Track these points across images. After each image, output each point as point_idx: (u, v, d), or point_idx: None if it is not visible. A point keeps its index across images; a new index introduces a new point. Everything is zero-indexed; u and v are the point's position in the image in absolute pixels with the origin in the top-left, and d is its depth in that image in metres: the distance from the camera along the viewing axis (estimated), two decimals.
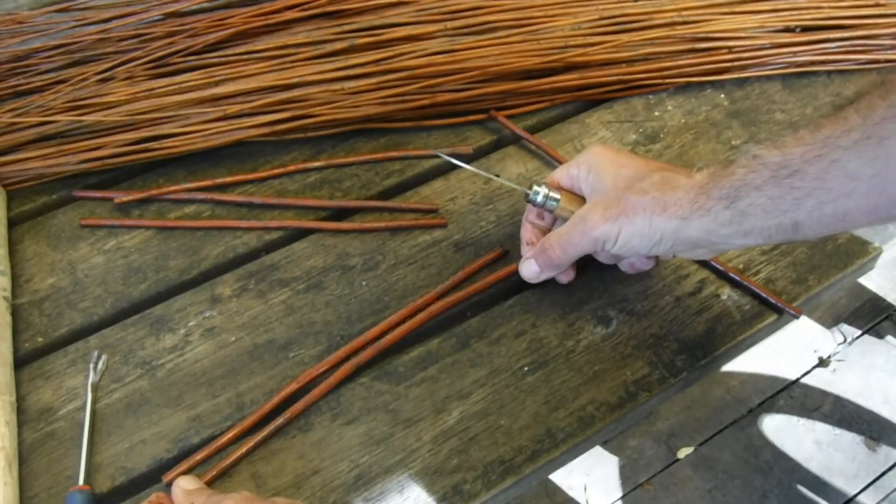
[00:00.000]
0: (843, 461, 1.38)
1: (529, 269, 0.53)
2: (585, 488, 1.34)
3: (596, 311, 0.55)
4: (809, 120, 0.67)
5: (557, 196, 0.52)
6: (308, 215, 0.61)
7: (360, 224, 0.60)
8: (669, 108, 0.68)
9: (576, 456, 0.52)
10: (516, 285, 0.57)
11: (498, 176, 0.59)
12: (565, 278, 0.55)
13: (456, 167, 0.64)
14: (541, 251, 0.52)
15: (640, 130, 0.66)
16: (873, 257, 0.59)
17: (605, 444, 1.38)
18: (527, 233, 0.56)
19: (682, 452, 1.38)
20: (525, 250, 0.56)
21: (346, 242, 0.59)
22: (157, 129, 0.62)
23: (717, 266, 0.57)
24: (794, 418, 1.43)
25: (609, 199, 0.48)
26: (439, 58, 0.65)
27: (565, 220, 0.52)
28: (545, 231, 0.55)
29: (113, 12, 0.69)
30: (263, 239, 0.60)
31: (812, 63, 0.70)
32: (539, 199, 0.52)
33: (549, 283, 0.56)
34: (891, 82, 0.38)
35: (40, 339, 0.54)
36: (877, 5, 0.71)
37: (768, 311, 0.56)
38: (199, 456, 0.48)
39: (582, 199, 0.52)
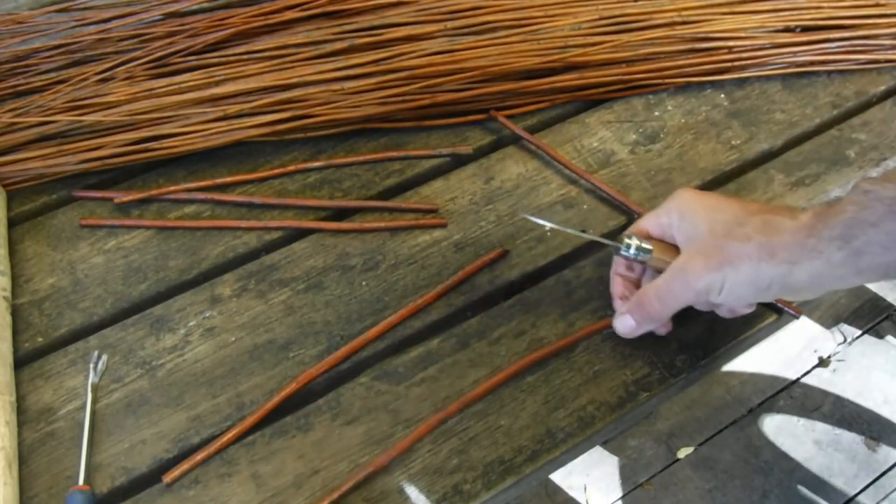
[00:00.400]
0: (843, 461, 1.38)
1: (625, 325, 0.50)
2: (585, 488, 1.34)
3: (596, 312, 0.55)
4: (810, 119, 0.68)
5: (650, 247, 0.49)
6: (308, 215, 0.61)
7: (360, 224, 0.60)
8: (669, 108, 0.68)
9: (576, 456, 0.52)
10: (517, 285, 0.57)
11: (585, 231, 0.57)
12: (664, 330, 0.53)
13: (456, 167, 0.64)
14: (638, 305, 0.49)
15: (640, 130, 0.66)
16: None
17: (605, 444, 1.38)
18: (617, 287, 0.53)
19: (682, 452, 1.38)
20: (618, 304, 0.53)
21: (346, 242, 0.59)
22: (157, 129, 0.62)
23: None
24: (794, 418, 1.43)
25: (709, 247, 0.45)
26: (439, 58, 0.65)
27: (659, 270, 0.49)
28: (636, 283, 0.53)
29: (113, 12, 0.69)
30: (263, 239, 0.60)
31: (812, 63, 0.70)
32: (632, 252, 0.49)
33: (548, 283, 0.56)
34: None
35: (40, 339, 0.54)
36: (877, 5, 0.71)
37: (768, 311, 0.56)
38: (199, 456, 0.48)
39: (675, 249, 0.49)
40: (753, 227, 0.45)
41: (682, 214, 0.48)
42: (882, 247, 0.40)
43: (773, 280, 0.44)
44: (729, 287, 0.45)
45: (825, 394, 1.47)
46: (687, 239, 0.48)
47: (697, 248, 0.46)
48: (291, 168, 0.63)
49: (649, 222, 0.51)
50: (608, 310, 0.55)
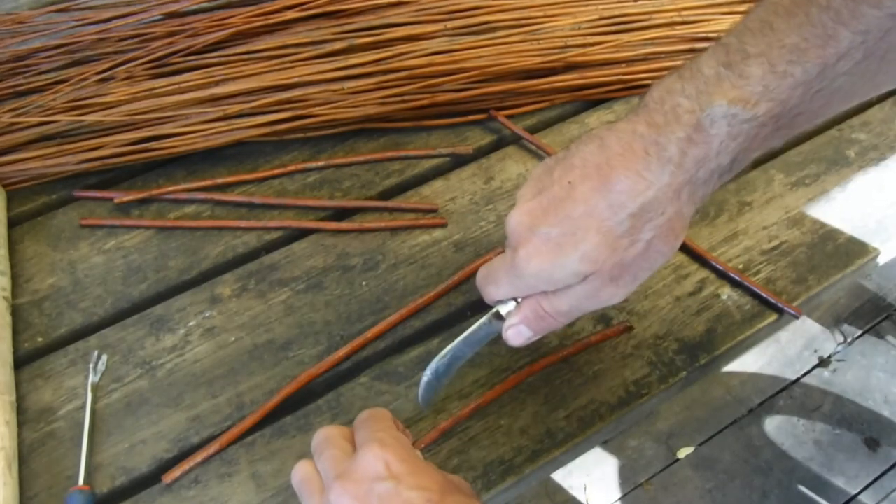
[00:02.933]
0: (843, 461, 1.38)
1: (521, 337, 0.45)
2: (585, 488, 1.34)
3: (595, 311, 0.55)
4: None
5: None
6: (308, 215, 0.61)
7: (360, 224, 0.60)
8: None
9: (576, 456, 0.52)
10: None
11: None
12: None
13: (456, 167, 0.64)
14: (538, 318, 0.44)
15: None
16: (873, 257, 0.59)
17: (605, 444, 1.38)
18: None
19: (682, 452, 1.38)
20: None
21: (346, 242, 0.59)
22: (157, 129, 0.62)
23: (717, 266, 0.57)
24: (794, 418, 1.43)
25: (606, 265, 0.40)
26: (439, 58, 0.65)
27: None
28: None
29: (113, 12, 0.69)
30: (263, 239, 0.60)
31: None
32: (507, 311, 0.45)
33: None
34: None
35: (40, 339, 0.54)
36: None
37: (768, 311, 0.56)
38: (199, 456, 0.48)
39: None
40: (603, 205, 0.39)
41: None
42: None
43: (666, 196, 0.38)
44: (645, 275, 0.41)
45: (825, 394, 1.47)
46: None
47: (596, 276, 0.41)
48: (291, 168, 0.63)
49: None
50: (608, 309, 0.55)
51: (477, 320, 0.45)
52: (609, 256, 0.39)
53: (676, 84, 0.38)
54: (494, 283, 0.44)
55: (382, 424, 0.40)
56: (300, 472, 0.40)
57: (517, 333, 0.45)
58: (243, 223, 0.60)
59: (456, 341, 0.46)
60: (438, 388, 0.47)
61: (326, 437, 0.41)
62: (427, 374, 0.46)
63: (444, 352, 0.46)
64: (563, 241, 0.40)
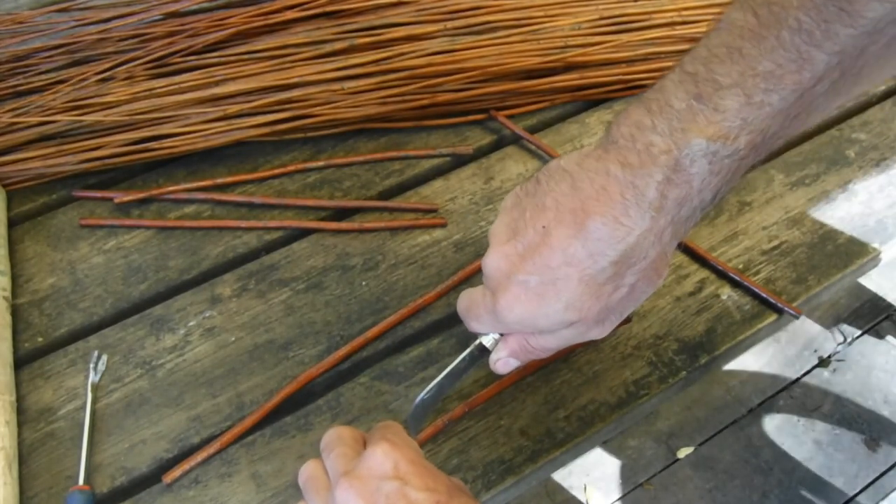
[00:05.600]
0: (843, 461, 1.38)
1: (508, 367, 0.46)
2: (585, 488, 1.34)
3: None
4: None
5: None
6: (308, 215, 0.61)
7: (360, 224, 0.60)
8: None
9: (576, 456, 0.52)
10: None
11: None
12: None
13: (456, 167, 0.64)
14: (525, 352, 0.45)
15: None
16: (873, 257, 0.59)
17: (605, 444, 1.38)
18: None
19: (682, 452, 1.38)
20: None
21: (346, 242, 0.59)
22: (157, 129, 0.62)
23: (717, 266, 0.57)
24: (794, 418, 1.43)
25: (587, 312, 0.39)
26: (439, 58, 0.65)
27: None
28: None
29: (113, 12, 0.69)
30: (263, 239, 0.60)
31: None
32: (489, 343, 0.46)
33: None
34: None
35: (40, 339, 0.54)
36: None
37: (768, 311, 0.56)
38: (199, 456, 0.48)
39: None
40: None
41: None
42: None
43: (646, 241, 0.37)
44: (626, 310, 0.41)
45: (825, 394, 1.47)
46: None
47: (577, 320, 0.41)
48: (291, 168, 0.63)
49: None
50: None
51: (460, 353, 0.45)
52: (593, 304, 0.39)
53: (646, 119, 0.35)
54: (476, 320, 0.44)
55: (395, 430, 0.40)
56: (307, 471, 0.40)
57: (505, 364, 0.45)
58: (243, 223, 0.60)
59: (441, 375, 0.46)
60: (426, 417, 0.48)
61: (337, 436, 0.41)
62: (414, 405, 0.46)
63: (430, 386, 0.46)
64: (544, 290, 0.39)
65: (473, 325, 0.45)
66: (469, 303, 0.44)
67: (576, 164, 0.38)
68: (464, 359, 0.46)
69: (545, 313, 0.39)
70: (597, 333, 0.42)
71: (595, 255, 0.37)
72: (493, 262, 0.40)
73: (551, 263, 0.38)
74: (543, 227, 0.38)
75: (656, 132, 0.35)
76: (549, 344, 0.43)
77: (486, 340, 0.46)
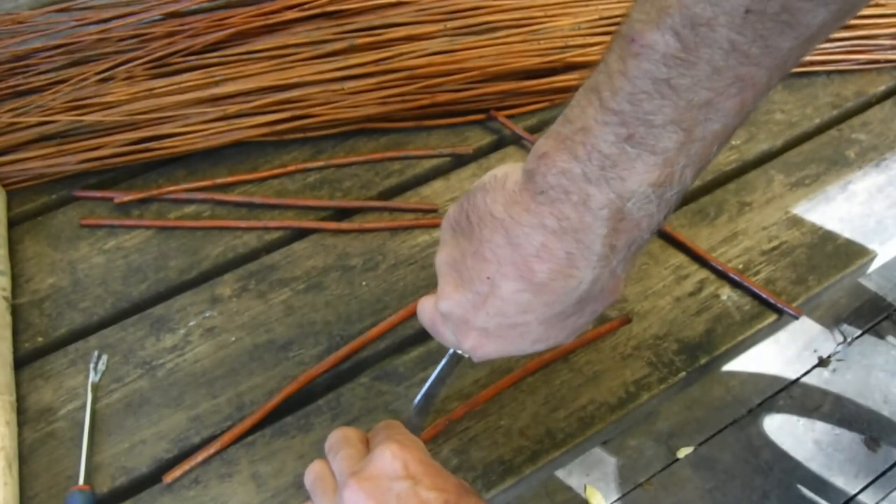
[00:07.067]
0: (843, 461, 1.38)
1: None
2: (585, 488, 1.34)
3: (595, 311, 0.55)
4: (809, 120, 0.68)
5: None
6: (308, 215, 0.61)
7: (360, 224, 0.60)
8: None
9: (576, 456, 0.52)
10: None
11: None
12: None
13: (456, 167, 0.64)
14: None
15: None
16: (872, 258, 0.59)
17: (605, 444, 1.38)
18: None
19: (682, 452, 1.38)
20: None
21: (346, 242, 0.59)
22: (157, 129, 0.62)
23: (717, 266, 0.57)
24: (794, 418, 1.43)
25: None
26: (439, 58, 0.65)
27: None
28: None
29: (113, 12, 0.69)
30: (263, 239, 0.60)
31: (812, 63, 0.70)
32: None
33: None
34: None
35: (40, 339, 0.54)
36: (877, 5, 0.71)
37: (768, 311, 0.56)
38: (199, 456, 0.48)
39: None
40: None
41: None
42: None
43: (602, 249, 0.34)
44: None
45: (825, 394, 1.47)
46: None
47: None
48: (291, 168, 0.63)
49: None
50: (607, 309, 0.55)
51: (440, 361, 0.46)
52: (559, 333, 0.38)
53: (574, 166, 0.31)
54: (443, 342, 0.43)
55: (399, 430, 0.40)
56: (314, 471, 0.40)
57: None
58: (243, 223, 0.60)
59: (428, 382, 0.46)
60: (422, 423, 0.48)
61: (342, 436, 0.40)
62: (411, 412, 0.47)
63: (420, 394, 0.46)
64: (505, 332, 0.38)
65: (442, 342, 0.44)
66: (431, 324, 0.42)
67: (504, 212, 0.34)
68: (445, 365, 0.46)
69: (514, 349, 0.39)
70: (568, 342, 0.41)
71: (551, 304, 0.35)
72: (446, 307, 0.39)
73: (507, 312, 0.37)
74: (488, 278, 0.36)
75: (590, 182, 0.31)
76: (522, 355, 0.43)
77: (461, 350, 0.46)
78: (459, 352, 0.45)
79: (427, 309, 0.42)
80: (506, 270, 0.35)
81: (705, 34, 0.27)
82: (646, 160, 0.30)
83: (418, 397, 0.46)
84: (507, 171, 0.36)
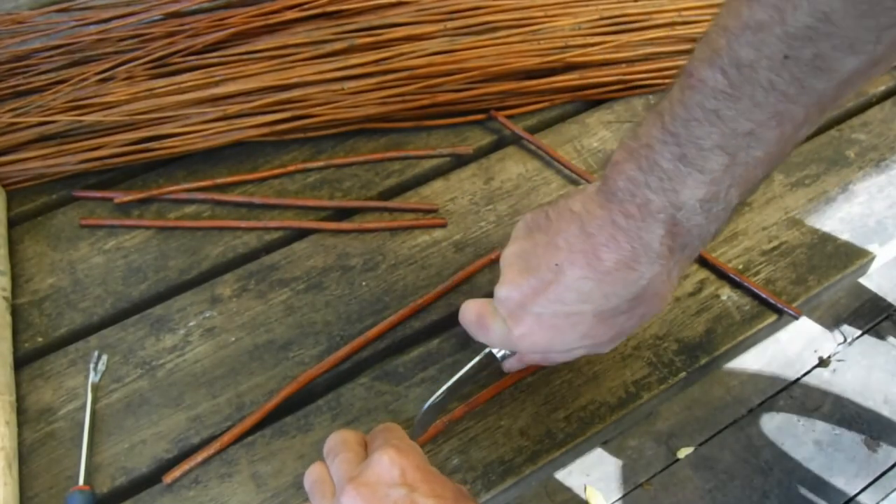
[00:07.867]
0: (843, 461, 1.38)
1: (515, 368, 0.50)
2: (585, 488, 1.34)
3: None
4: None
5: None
6: (308, 215, 0.61)
7: (360, 224, 0.60)
8: None
9: (576, 456, 0.52)
10: None
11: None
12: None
13: (456, 167, 0.64)
14: (536, 362, 0.50)
15: None
16: (872, 258, 0.59)
17: (605, 444, 1.38)
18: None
19: (682, 452, 1.38)
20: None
21: (346, 242, 0.59)
22: (157, 129, 0.62)
23: (717, 266, 0.57)
24: (794, 418, 1.43)
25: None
26: (439, 58, 0.65)
27: None
28: None
29: (113, 12, 0.68)
30: (263, 239, 0.60)
31: None
32: (500, 355, 0.48)
33: None
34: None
35: (40, 339, 0.54)
36: None
37: (768, 311, 0.56)
38: (199, 456, 0.48)
39: None
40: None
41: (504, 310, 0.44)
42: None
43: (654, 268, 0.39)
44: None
45: (825, 394, 1.47)
46: None
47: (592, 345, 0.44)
48: (291, 168, 0.63)
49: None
50: None
51: (461, 352, 0.46)
52: (607, 331, 0.42)
53: (638, 175, 0.36)
54: (486, 339, 0.45)
55: (398, 434, 0.41)
56: (313, 474, 0.40)
57: (512, 367, 0.50)
58: (243, 223, 0.60)
59: (451, 380, 0.47)
60: (433, 421, 0.49)
61: (341, 440, 0.41)
62: (423, 410, 0.47)
63: (440, 391, 0.47)
64: (558, 322, 0.41)
65: (481, 340, 0.46)
66: (477, 319, 0.45)
67: (583, 208, 0.39)
68: (473, 366, 0.47)
69: (561, 342, 0.42)
70: (604, 350, 0.45)
71: (609, 296, 0.39)
72: (506, 292, 0.42)
73: (565, 300, 0.40)
74: (556, 265, 0.40)
75: (651, 190, 0.36)
76: (560, 359, 0.47)
77: (496, 351, 0.47)
78: (496, 352, 0.45)
79: (472, 307, 0.46)
80: (575, 258, 0.39)
81: (748, 74, 0.31)
82: (695, 178, 0.35)
83: (437, 394, 0.47)
84: (587, 185, 0.42)
